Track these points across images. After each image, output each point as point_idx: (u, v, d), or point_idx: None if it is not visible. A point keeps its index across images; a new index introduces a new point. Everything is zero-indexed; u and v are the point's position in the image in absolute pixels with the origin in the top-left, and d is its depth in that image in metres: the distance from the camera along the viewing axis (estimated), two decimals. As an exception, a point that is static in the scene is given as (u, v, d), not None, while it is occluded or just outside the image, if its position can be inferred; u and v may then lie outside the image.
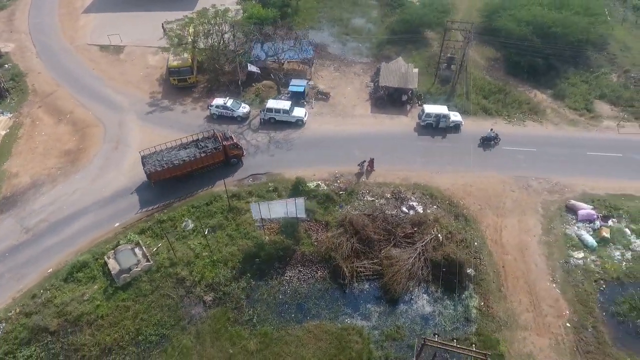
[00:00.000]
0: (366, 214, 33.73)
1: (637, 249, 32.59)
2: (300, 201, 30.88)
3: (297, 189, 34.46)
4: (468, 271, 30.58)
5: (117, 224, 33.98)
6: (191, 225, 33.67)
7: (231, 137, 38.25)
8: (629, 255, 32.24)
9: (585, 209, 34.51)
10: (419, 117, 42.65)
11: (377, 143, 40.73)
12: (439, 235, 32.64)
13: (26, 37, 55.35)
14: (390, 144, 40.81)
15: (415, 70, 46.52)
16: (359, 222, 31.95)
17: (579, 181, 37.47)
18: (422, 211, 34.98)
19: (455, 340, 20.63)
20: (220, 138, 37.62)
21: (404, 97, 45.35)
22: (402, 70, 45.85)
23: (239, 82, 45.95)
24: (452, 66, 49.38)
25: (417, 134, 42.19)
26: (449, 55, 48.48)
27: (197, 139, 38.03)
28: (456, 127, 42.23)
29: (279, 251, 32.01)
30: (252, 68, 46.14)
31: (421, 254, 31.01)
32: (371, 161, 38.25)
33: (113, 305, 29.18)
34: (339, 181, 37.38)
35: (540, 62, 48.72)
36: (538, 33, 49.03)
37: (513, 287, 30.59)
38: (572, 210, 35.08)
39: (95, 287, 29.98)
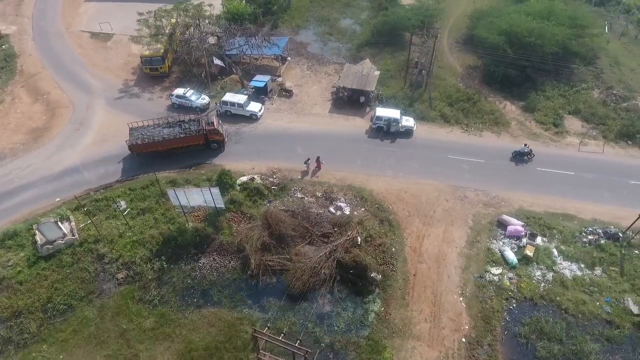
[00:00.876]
0: (287, 210, 34.19)
1: (561, 270, 31.29)
2: (215, 191, 31.77)
3: (220, 180, 35.33)
4: (373, 275, 30.40)
5: (58, 199, 36.17)
6: (124, 206, 35.32)
7: (212, 123, 39.61)
8: (550, 276, 30.98)
9: (514, 225, 33.40)
10: (371, 119, 42.49)
11: (325, 142, 41.01)
12: (358, 237, 32.62)
13: (28, 21, 59.19)
14: (336, 144, 40.95)
15: (377, 72, 46.34)
16: (275, 217, 32.41)
17: (519, 197, 36.24)
18: (348, 213, 35.02)
19: (282, 335, 20.81)
20: (203, 122, 39.27)
21: (362, 99, 45.26)
22: (363, 72, 45.80)
23: (204, 75, 47.38)
24: (423, 71, 48.71)
25: (366, 137, 42.07)
26: (415, 60, 47.84)
27: (182, 120, 39.90)
28: (407, 132, 41.77)
29: (198, 238, 33.07)
30: (217, 62, 47.44)
31: (331, 253, 31.11)
32: (318, 159, 38.54)
33: (33, 273, 31.15)
34: (275, 176, 37.98)
35: (515, 73, 47.16)
36: (514, 42, 47.49)
37: (418, 296, 30.17)
38: (503, 225, 34.05)
39: (22, 254, 32.11)
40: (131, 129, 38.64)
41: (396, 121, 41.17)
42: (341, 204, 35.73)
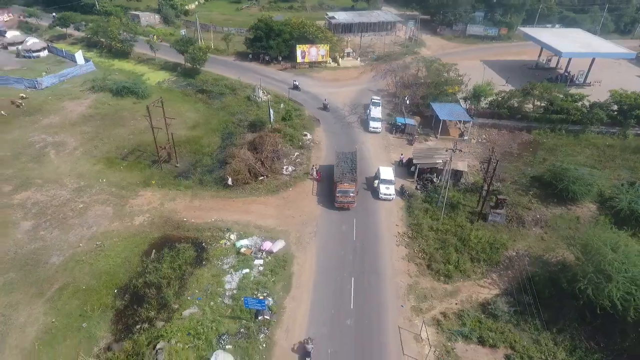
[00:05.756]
0: (276, 145, 52.26)
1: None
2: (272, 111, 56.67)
3: (286, 113, 58.70)
4: (227, 177, 47.20)
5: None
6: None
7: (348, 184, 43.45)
8: (231, 264, 36.53)
9: (270, 244, 38.49)
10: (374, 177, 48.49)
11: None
12: (263, 178, 48.49)
13: None
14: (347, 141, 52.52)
15: (444, 155, 46.82)
16: (264, 139, 52.26)
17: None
18: (285, 173, 49.54)
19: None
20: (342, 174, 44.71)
21: (412, 168, 49.21)
22: (432, 154, 49.05)
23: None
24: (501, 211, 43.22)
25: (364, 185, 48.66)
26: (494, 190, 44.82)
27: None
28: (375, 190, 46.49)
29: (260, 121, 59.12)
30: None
31: (245, 162, 49.16)
32: (318, 171, 49.08)
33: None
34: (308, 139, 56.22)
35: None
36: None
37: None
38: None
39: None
40: None
41: (379, 180, 46.44)
42: (290, 169, 50.34)
